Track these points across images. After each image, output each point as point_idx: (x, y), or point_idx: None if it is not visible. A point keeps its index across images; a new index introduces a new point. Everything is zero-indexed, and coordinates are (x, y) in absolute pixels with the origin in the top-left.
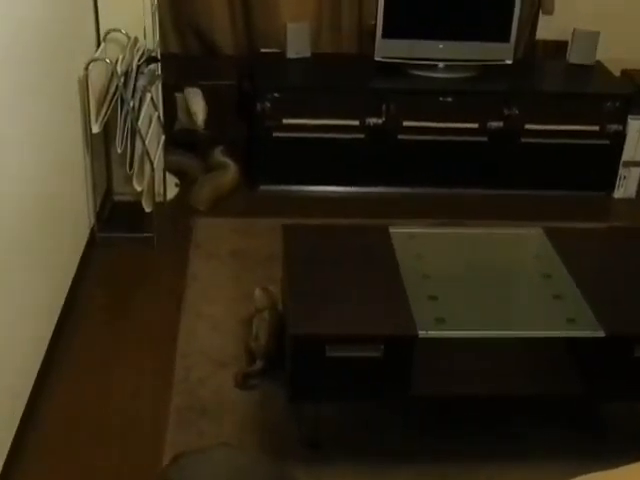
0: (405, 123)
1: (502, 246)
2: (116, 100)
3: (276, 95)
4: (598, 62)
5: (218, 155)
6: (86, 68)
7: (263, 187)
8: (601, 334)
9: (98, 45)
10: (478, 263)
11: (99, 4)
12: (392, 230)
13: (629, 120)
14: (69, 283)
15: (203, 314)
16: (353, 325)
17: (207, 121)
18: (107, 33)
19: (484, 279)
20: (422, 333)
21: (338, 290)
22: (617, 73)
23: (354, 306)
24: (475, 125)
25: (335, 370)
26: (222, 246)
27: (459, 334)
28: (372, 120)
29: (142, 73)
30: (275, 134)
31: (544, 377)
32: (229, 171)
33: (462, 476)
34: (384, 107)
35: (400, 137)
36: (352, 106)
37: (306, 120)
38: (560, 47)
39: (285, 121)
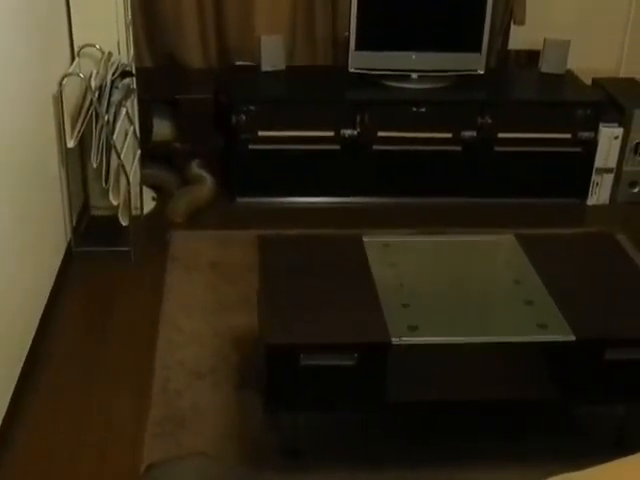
0: (380, 133)
1: (474, 253)
2: (91, 115)
3: (251, 108)
4: (569, 71)
5: (195, 168)
6: (60, 83)
7: (240, 199)
8: (572, 338)
9: (72, 60)
10: (451, 270)
11: (73, 19)
12: (365, 239)
13: (600, 127)
14: (46, 297)
15: (181, 326)
16: (327, 334)
17: (183, 134)
18: (81, 48)
19: (457, 286)
20: (395, 340)
21: (312, 299)
22: (588, 81)
23: (328, 315)
24: (449, 135)
25: (310, 379)
26: (199, 258)
27: (432, 340)
28: (347, 131)
29: (117, 87)
30: (251, 146)
31: (518, 382)
32: (206, 184)
33: None
34: (359, 118)
35: (375, 147)
36: (327, 117)
37: (282, 132)
38: (532, 56)
39: (261, 133)
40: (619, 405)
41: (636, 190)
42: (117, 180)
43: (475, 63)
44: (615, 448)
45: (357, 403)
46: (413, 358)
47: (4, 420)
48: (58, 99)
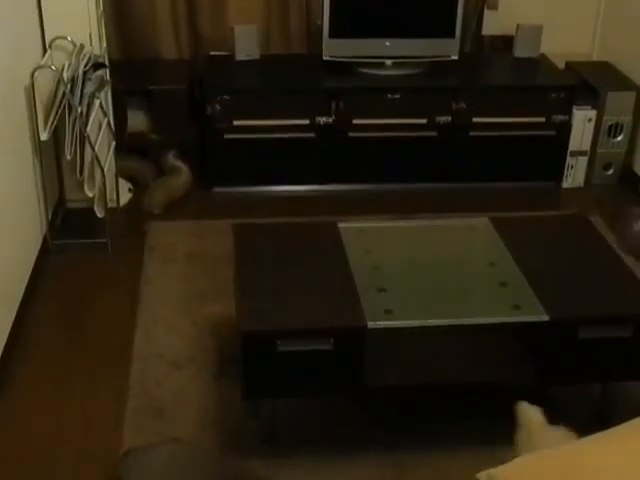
0: (355, 121)
1: (449, 237)
2: (64, 107)
3: (226, 97)
4: (543, 55)
5: (170, 159)
6: (32, 75)
7: (216, 189)
8: (545, 318)
9: (44, 53)
10: (426, 254)
11: (44, 12)
12: (341, 225)
13: (574, 110)
14: (22, 291)
15: (159, 316)
16: (303, 319)
17: (158, 125)
18: (53, 40)
19: (432, 270)
20: (371, 324)
21: (288, 286)
22: (561, 65)
23: (304, 301)
24: (424, 120)
25: (288, 365)
26: (176, 249)
27: (407, 324)
28: (322, 119)
29: (89, 79)
30: (226, 136)
31: (494, 364)
32: (182, 174)
33: (417, 463)
34: (334, 106)
35: (350, 135)
36: (302, 105)
37: (257, 121)
38: (506, 42)
39: (236, 123)
40: (595, 384)
41: (610, 172)
42: (92, 172)
43: (449, 49)
44: (596, 426)
45: (335, 388)
46: (390, 342)
47: None
48: (30, 91)
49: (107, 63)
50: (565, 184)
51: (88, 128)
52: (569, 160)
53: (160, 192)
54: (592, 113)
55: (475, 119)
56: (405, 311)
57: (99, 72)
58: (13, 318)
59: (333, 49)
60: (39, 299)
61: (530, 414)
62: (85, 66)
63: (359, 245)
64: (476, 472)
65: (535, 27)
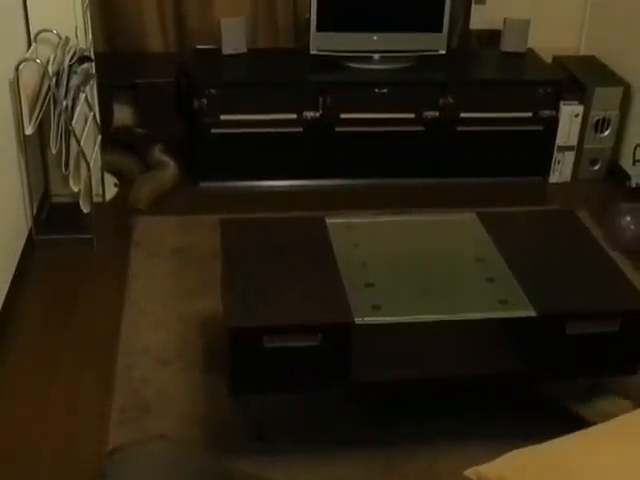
0: (342, 115)
1: (437, 232)
2: (49, 100)
3: (213, 91)
4: (530, 50)
5: (157, 153)
6: (16, 69)
7: (203, 184)
8: (532, 314)
9: (29, 46)
10: (414, 250)
11: (28, 4)
12: (328, 221)
13: (561, 105)
14: (7, 286)
15: (145, 312)
16: (290, 315)
17: (144, 120)
18: (38, 33)
19: (420, 265)
20: (358, 320)
21: (275, 282)
22: (548, 60)
23: (291, 296)
24: (411, 115)
25: (275, 361)
26: (163, 244)
27: (394, 319)
28: (309, 113)
29: (75, 73)
30: (213, 130)
31: (482, 359)
32: (168, 169)
33: (406, 460)
34: (321, 100)
35: (338, 129)
36: (289, 100)
37: (244, 115)
38: (493, 36)
39: (223, 117)
40: (583, 379)
41: (597, 167)
42: (77, 167)
43: (437, 43)
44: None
45: (322, 384)
46: (377, 338)
47: None
48: (15, 85)
49: (93, 56)
50: (552, 179)
51: (73, 122)
52: (556, 155)
53: (146, 187)
54: (579, 108)
55: (462, 114)
56: (392, 307)
57: (84, 65)
58: None
59: (321, 43)
60: (24, 295)
61: None
62: (70, 59)
63: (347, 240)
64: (465, 469)
65: (522, 21)
